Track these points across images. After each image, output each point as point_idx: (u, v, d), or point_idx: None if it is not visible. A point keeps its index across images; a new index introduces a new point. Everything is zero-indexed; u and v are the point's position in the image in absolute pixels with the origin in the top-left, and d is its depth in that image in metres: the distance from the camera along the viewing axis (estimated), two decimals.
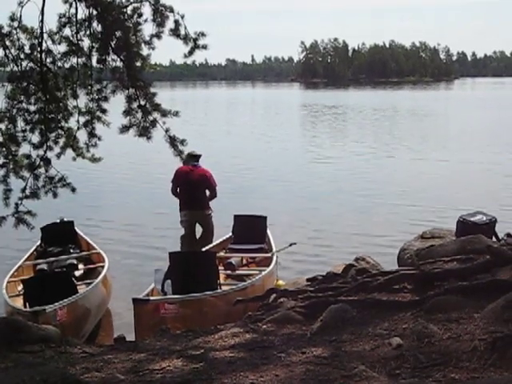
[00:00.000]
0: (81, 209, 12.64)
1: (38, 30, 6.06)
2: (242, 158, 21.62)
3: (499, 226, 8.58)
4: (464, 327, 4.22)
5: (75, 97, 6.45)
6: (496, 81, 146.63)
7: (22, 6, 5.96)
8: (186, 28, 6.03)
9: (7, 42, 6.04)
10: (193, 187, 9.95)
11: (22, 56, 6.14)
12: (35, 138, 6.36)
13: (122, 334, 6.18)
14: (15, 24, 6.01)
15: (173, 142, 6.19)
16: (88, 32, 6.10)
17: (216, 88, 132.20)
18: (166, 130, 6.16)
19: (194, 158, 9.80)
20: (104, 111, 6.43)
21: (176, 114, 6.17)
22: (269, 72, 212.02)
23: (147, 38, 6.08)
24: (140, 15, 6.09)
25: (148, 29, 6.04)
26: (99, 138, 6.51)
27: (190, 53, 6.16)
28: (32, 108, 6.28)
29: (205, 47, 6.13)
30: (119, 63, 6.13)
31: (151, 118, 6.19)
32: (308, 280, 7.20)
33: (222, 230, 9.86)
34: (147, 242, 11.08)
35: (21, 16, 6.01)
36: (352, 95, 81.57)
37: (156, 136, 6.27)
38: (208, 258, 7.49)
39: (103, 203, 14.85)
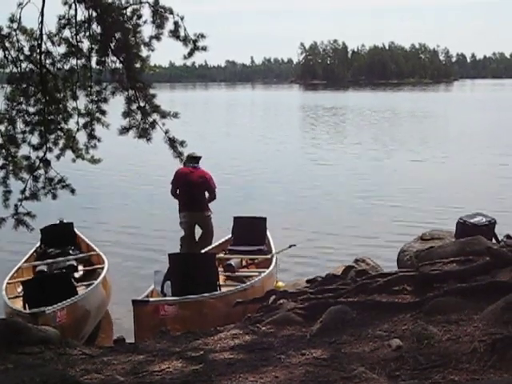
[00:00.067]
0: (80, 210, 12.65)
1: (38, 32, 6.06)
2: (242, 160, 21.64)
3: (499, 227, 8.57)
4: (463, 329, 4.21)
5: (75, 98, 6.45)
6: (495, 82, 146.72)
7: (22, 8, 5.96)
8: (185, 29, 6.03)
9: (7, 44, 6.04)
10: (192, 189, 9.94)
11: (22, 57, 6.14)
12: (35, 139, 6.36)
13: (122, 335, 6.19)
14: (15, 25, 6.02)
15: (172, 143, 6.18)
16: (87, 33, 6.10)
17: (215, 89, 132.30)
18: (166, 132, 6.15)
19: (194, 159, 9.80)
20: (103, 113, 6.43)
21: (175, 115, 6.16)
22: (268, 73, 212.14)
23: (147, 40, 6.08)
24: (139, 17, 6.09)
25: (147, 30, 6.05)
26: (99, 140, 6.51)
27: (190, 54, 6.15)
28: (31, 109, 6.27)
29: (204, 49, 6.13)
30: (119, 65, 6.12)
31: (151, 119, 6.18)
32: (308, 281, 7.20)
33: (222, 232, 9.86)
34: (146, 243, 11.08)
35: (20, 17, 6.01)
36: (351, 97, 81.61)
37: (155, 137, 6.27)
38: (207, 260, 7.49)
39: (102, 205, 14.86)
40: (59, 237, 9.23)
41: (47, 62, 6.21)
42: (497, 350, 3.69)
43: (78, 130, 6.45)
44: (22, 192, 6.36)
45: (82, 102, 6.44)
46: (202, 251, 8.62)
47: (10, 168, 6.30)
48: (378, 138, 28.80)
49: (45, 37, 6.07)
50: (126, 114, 6.18)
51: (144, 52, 6.15)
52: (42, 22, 5.99)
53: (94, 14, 6.01)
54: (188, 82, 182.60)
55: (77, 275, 8.37)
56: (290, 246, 9.04)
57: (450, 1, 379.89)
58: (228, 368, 4.06)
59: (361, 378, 3.58)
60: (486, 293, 4.77)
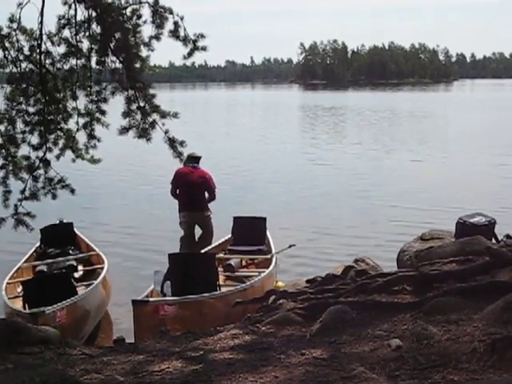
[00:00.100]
0: (80, 210, 12.63)
1: (38, 32, 6.06)
2: (241, 160, 21.63)
3: (498, 227, 8.58)
4: (463, 329, 4.22)
5: (74, 98, 6.45)
6: (495, 82, 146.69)
7: (22, 8, 5.97)
8: (185, 29, 6.04)
9: (6, 44, 6.04)
10: (192, 189, 9.95)
11: (22, 57, 6.15)
12: (34, 139, 6.36)
13: (122, 335, 6.19)
14: (14, 25, 6.02)
15: (172, 143, 6.19)
16: (87, 33, 6.10)
17: (215, 89, 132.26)
18: (166, 132, 6.15)
19: (194, 159, 9.80)
20: (103, 113, 6.43)
21: (175, 115, 6.16)
22: (268, 73, 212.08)
23: (146, 40, 6.08)
24: (139, 17, 6.09)
25: (147, 30, 6.05)
26: (98, 140, 6.51)
27: (190, 54, 6.15)
28: (31, 109, 6.27)
29: (204, 49, 6.13)
30: (118, 65, 6.13)
31: (150, 119, 6.18)
32: (307, 281, 7.20)
33: (222, 232, 9.86)
34: (146, 243, 11.07)
35: (20, 17, 6.02)
36: (351, 97, 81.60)
37: (155, 137, 6.27)
38: (207, 260, 7.49)
39: (102, 205, 14.85)
40: (59, 237, 9.23)
41: (47, 62, 6.21)
42: (496, 350, 3.69)
43: (77, 130, 6.46)
44: (22, 192, 6.36)
45: (81, 102, 6.45)
46: (202, 251, 8.62)
47: (10, 168, 6.30)
48: (378, 137, 28.80)
49: (44, 37, 6.08)
50: (126, 114, 6.18)
51: (144, 52, 6.16)
52: (41, 22, 5.99)
53: (94, 13, 6.01)
54: (188, 82, 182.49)
55: (77, 275, 8.37)
56: (290, 246, 9.04)
57: (449, 1, 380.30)
58: (228, 368, 4.06)
59: (360, 377, 3.58)
60: (486, 293, 4.77)
